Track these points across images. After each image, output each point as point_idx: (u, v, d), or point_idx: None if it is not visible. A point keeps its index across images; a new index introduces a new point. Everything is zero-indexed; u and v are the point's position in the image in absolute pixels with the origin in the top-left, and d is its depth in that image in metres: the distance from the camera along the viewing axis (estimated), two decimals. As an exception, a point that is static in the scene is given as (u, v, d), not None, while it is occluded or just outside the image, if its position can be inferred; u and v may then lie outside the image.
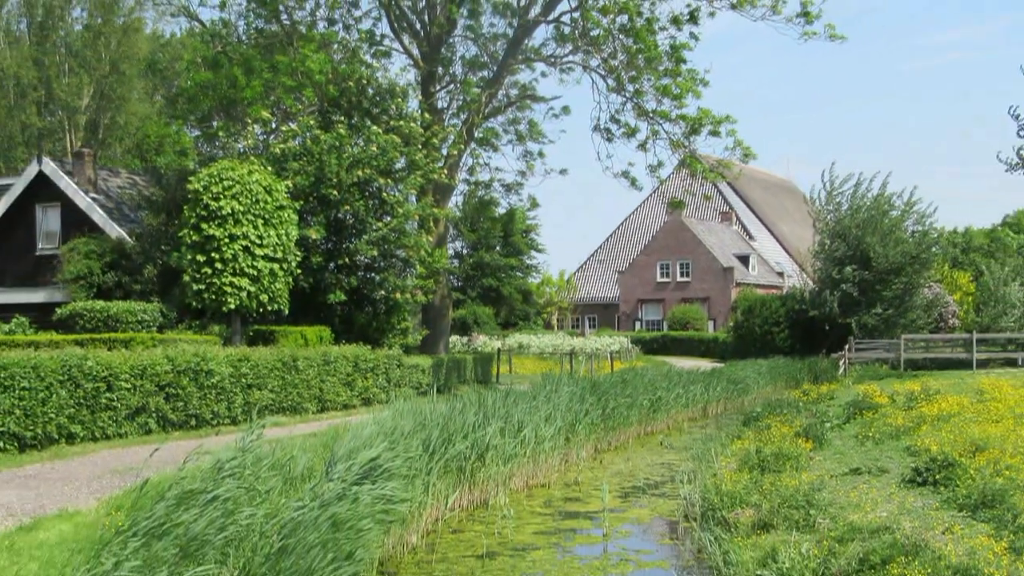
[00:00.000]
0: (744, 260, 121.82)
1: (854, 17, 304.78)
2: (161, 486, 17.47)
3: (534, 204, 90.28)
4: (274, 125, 57.02)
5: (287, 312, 47.79)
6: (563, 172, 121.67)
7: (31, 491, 23.19)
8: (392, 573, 21.62)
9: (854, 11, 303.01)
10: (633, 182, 66.42)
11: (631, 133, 63.39)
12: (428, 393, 43.96)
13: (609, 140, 64.70)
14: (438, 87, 63.36)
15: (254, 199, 44.63)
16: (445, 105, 64.13)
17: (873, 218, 74.80)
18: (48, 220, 58.94)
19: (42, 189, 59.06)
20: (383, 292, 52.53)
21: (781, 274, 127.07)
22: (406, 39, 62.39)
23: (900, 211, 75.82)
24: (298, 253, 47.36)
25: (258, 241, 44.57)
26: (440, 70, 63.29)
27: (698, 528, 25.51)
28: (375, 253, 51.17)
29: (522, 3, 61.74)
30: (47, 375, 29.56)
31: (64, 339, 43.21)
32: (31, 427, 28.98)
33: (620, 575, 21.94)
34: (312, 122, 53.48)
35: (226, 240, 43.82)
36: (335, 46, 60.23)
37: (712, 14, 61.03)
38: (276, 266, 45.42)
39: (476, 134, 64.01)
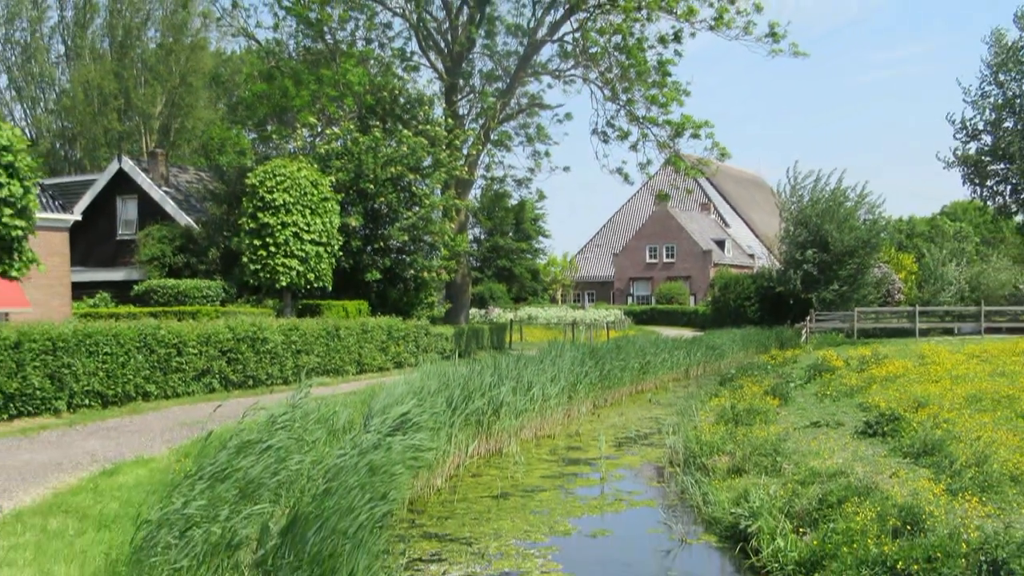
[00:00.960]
0: (720, 244, 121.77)
1: (817, 37, 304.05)
2: (223, 437, 17.45)
3: (541, 196, 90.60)
4: (319, 129, 57.40)
5: (330, 288, 48.30)
6: (566, 169, 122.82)
7: (112, 441, 23.20)
8: (420, 511, 21.59)
9: (817, 31, 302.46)
10: (626, 177, 66.95)
11: (624, 136, 63.73)
12: (451, 358, 44.04)
13: (605, 142, 65.03)
14: (459, 96, 63.54)
15: (302, 192, 45.23)
16: (465, 112, 64.29)
17: (830, 208, 75.04)
18: (127, 210, 59.05)
19: (122, 183, 59.23)
20: (412, 271, 52.95)
21: (752, 256, 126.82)
22: (432, 56, 62.85)
23: (854, 202, 75.97)
24: (340, 238, 47.75)
25: (306, 228, 45.21)
26: (461, 82, 63.52)
27: (681, 472, 25.52)
28: (406, 238, 51.78)
29: (531, 25, 62.11)
30: (126, 342, 29.64)
31: (140, 311, 43.39)
32: (112, 387, 29.04)
33: (615, 512, 21.91)
34: (352, 126, 53.77)
35: (279, 227, 44.52)
36: (371, 61, 60.47)
37: (693, 34, 61.72)
38: (321, 249, 45.94)
39: (492, 136, 64.45)
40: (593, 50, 60.94)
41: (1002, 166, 69.05)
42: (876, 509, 16.43)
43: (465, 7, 61.82)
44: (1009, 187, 70.15)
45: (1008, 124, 68.11)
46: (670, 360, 53.37)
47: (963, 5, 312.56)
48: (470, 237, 76.11)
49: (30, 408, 26.27)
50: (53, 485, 17.83)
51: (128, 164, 58.97)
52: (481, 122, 63.47)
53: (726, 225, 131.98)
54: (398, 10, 61.51)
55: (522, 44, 63.23)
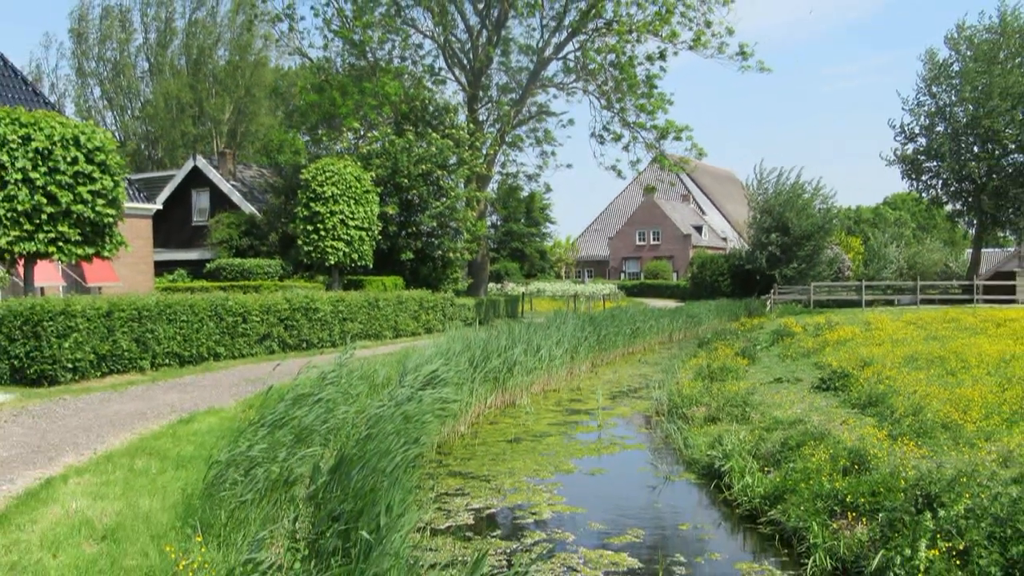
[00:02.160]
0: (699, 229, 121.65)
1: (780, 54, 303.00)
2: (281, 391, 17.41)
3: (548, 189, 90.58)
4: (362, 132, 57.83)
5: (371, 266, 48.60)
6: (569, 166, 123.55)
7: (188, 394, 23.21)
8: (446, 453, 21.57)
9: (781, 48, 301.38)
10: (619, 173, 66.99)
11: (617, 138, 63.90)
12: (472, 325, 44.03)
13: (601, 143, 65.16)
14: (479, 105, 63.63)
15: (347, 185, 45.54)
16: (484, 118, 64.36)
17: (791, 199, 75.40)
18: (200, 200, 59.37)
19: (196, 178, 59.54)
20: (440, 252, 53.30)
21: (725, 239, 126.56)
22: (456, 71, 63.13)
23: (810, 194, 76.30)
24: (379, 224, 48.06)
25: (351, 215, 45.51)
26: (480, 93, 63.64)
27: (665, 421, 25.53)
28: (434, 224, 52.22)
29: (539, 45, 62.36)
30: (200, 311, 29.67)
31: (211, 286, 43.63)
32: (188, 349, 29.07)
33: (610, 454, 21.90)
34: (389, 130, 54.19)
35: (328, 215, 44.86)
36: (405, 76, 60.66)
37: (676, 53, 62.07)
38: (363, 233, 46.23)
39: (507, 139, 64.74)
40: (591, 66, 61.15)
41: (934, 164, 69.09)
42: (829, 451, 16.42)
43: (484, 30, 62.03)
44: (940, 181, 70.18)
45: (939, 128, 68.26)
46: (656, 327, 53.59)
47: (902, 30, 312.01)
48: (488, 223, 76.07)
49: (119, 367, 26.30)
50: (139, 431, 17.85)
51: (201, 162, 59.31)
52: (498, 127, 63.76)
53: (703, 213, 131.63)
54: (428, 33, 61.87)
55: (532, 61, 63.41)
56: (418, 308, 43.67)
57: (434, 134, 53.84)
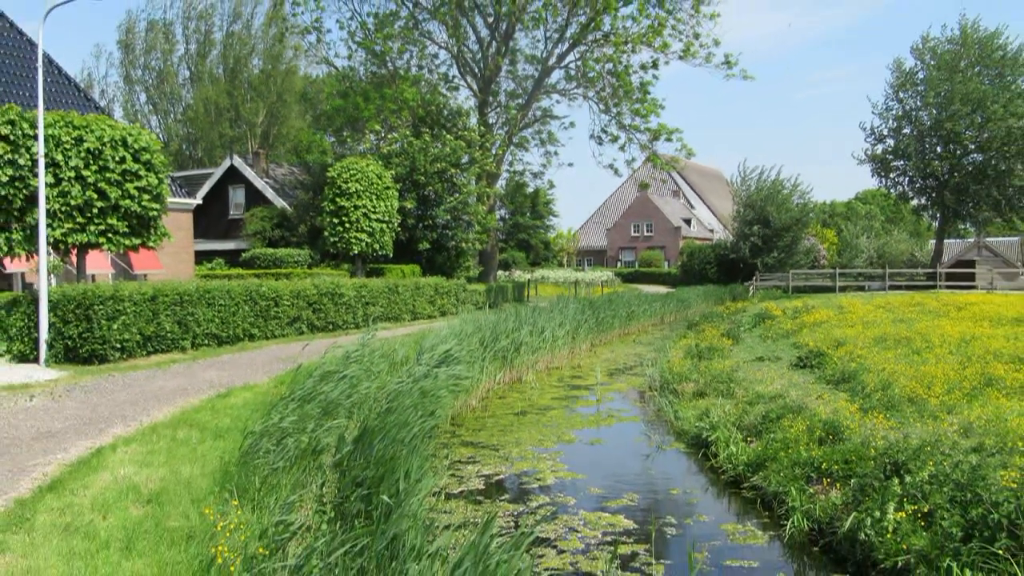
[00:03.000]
0: (688, 222, 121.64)
1: (765, 62, 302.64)
2: (310, 368, 17.42)
3: (551, 185, 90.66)
4: (383, 134, 57.88)
5: (391, 255, 48.82)
6: (570, 165, 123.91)
7: (225, 372, 23.23)
8: (459, 424, 21.58)
9: (765, 57, 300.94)
10: (616, 171, 67.07)
11: (614, 139, 64.00)
12: (483, 308, 44.11)
13: (600, 144, 65.34)
14: (489, 110, 63.85)
15: (370, 182, 45.65)
16: (494, 121, 64.52)
17: (772, 194, 75.72)
18: (236, 196, 59.42)
19: (233, 175, 59.58)
20: (454, 243, 53.53)
21: (712, 231, 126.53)
22: (468, 79, 63.39)
23: (789, 189, 76.56)
24: (398, 217, 48.19)
25: (372, 209, 45.62)
26: (490, 98, 63.75)
27: (658, 395, 25.53)
28: (448, 217, 52.48)
29: (544, 55, 62.63)
30: (236, 296, 29.72)
31: (246, 273, 43.75)
32: (225, 330, 29.11)
33: (607, 425, 21.90)
34: (407, 132, 54.16)
35: (352, 208, 44.95)
36: (422, 83, 60.91)
37: (667, 63, 62.47)
38: (384, 225, 46.29)
39: (514, 140, 64.88)
40: (591, 75, 61.39)
41: (901, 163, 69.09)
42: (806, 423, 16.41)
43: (493, 42, 62.20)
44: (907, 179, 70.16)
45: (906, 131, 68.23)
46: (649, 310, 53.63)
47: (873, 41, 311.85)
48: (497, 216, 76.22)
49: (163, 347, 26.37)
50: (180, 405, 17.87)
51: (237, 161, 59.33)
52: (506, 129, 63.95)
53: (692, 207, 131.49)
54: (442, 44, 62.13)
55: (537, 70, 63.64)
56: (434, 293, 43.68)
57: (448, 136, 54.09)
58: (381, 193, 46.30)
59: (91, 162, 26.82)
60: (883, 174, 71.75)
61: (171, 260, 42.53)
